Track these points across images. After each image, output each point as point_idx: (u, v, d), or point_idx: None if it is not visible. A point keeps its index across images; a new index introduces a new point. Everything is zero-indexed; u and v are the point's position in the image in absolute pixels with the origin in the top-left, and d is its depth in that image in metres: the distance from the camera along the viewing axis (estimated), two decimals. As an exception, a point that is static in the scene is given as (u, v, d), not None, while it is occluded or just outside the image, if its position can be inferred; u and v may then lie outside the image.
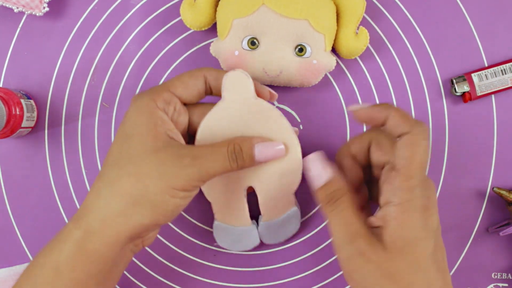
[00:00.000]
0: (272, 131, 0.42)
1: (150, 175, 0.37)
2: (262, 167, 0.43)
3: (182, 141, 0.40)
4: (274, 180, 0.43)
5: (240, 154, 0.39)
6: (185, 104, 0.43)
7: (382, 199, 0.37)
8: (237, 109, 0.41)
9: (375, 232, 0.37)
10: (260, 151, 0.40)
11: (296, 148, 0.42)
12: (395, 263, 0.36)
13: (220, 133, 0.42)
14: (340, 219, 0.38)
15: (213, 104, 0.42)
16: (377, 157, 0.41)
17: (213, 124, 0.41)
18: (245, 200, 0.45)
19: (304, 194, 0.50)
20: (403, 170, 0.36)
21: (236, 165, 0.39)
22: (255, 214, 0.48)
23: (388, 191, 0.37)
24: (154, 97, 0.39)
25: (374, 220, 0.38)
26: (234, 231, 0.47)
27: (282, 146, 0.41)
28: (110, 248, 0.37)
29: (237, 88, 0.40)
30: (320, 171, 0.40)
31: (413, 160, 0.36)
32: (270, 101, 0.44)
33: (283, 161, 0.42)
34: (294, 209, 0.46)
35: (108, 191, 0.37)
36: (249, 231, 0.47)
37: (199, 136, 0.42)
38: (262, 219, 0.47)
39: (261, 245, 0.50)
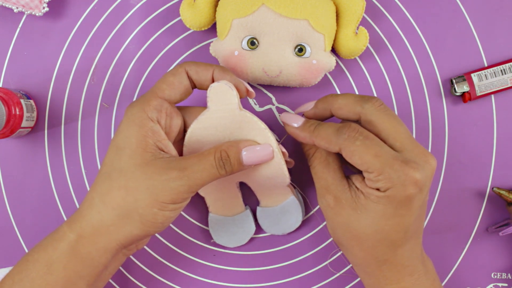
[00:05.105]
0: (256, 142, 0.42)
1: (139, 189, 0.38)
2: (249, 169, 0.43)
3: (173, 151, 0.41)
4: (262, 180, 0.44)
5: (227, 160, 0.39)
6: (180, 107, 0.43)
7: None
8: (222, 119, 0.41)
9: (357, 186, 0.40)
10: (247, 155, 0.40)
11: (279, 164, 0.42)
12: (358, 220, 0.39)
13: (206, 141, 0.42)
14: (314, 174, 0.42)
15: (204, 107, 0.42)
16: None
17: (199, 133, 0.42)
18: (237, 190, 0.47)
19: (305, 192, 0.50)
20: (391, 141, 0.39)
21: (224, 172, 0.39)
22: (253, 207, 0.48)
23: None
24: (144, 107, 0.40)
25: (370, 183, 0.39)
26: (229, 221, 0.48)
27: (270, 149, 0.41)
28: (102, 254, 0.39)
29: (221, 99, 0.41)
30: (293, 121, 0.43)
31: (387, 133, 0.39)
32: (249, 97, 0.44)
33: (267, 169, 0.43)
34: (292, 198, 0.46)
35: (100, 202, 0.38)
36: (244, 218, 0.48)
37: (186, 144, 0.43)
38: (259, 204, 0.48)
39: (261, 245, 0.50)
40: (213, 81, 0.42)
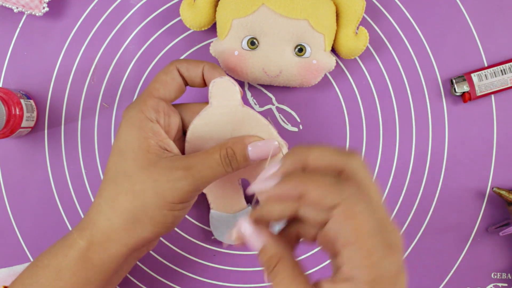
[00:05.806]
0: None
1: (146, 192, 0.38)
2: (252, 166, 0.43)
3: (175, 149, 0.41)
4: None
5: (233, 157, 0.39)
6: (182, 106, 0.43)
7: (345, 272, 0.30)
8: (225, 115, 0.41)
9: None
10: (253, 151, 0.40)
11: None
12: None
13: (209, 137, 0.42)
14: None
15: (202, 103, 0.42)
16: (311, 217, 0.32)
17: (201, 129, 0.42)
18: (239, 187, 0.47)
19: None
20: (358, 245, 0.30)
21: (231, 169, 0.39)
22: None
23: (351, 267, 0.30)
24: (141, 108, 0.39)
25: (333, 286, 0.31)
26: (230, 218, 0.48)
27: (276, 143, 0.41)
28: (113, 260, 0.39)
29: (224, 95, 0.41)
30: (253, 237, 0.34)
31: (363, 231, 0.30)
32: None
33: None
34: None
35: (108, 207, 0.38)
36: (245, 216, 0.47)
37: (188, 141, 0.43)
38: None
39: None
40: (203, 78, 0.42)
